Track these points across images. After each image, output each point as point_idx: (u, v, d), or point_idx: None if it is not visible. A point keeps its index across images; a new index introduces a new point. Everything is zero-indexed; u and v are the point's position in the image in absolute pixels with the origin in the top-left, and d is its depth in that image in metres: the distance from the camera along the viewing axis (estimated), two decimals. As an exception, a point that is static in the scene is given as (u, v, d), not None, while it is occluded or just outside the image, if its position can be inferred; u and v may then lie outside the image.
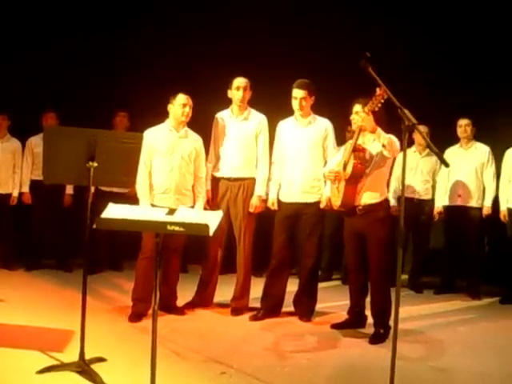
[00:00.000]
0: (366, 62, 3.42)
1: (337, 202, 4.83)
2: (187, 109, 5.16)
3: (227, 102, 5.48)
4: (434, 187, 6.75)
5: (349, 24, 7.01)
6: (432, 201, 6.74)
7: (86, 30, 7.28)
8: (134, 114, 6.98)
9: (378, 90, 4.31)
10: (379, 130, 4.52)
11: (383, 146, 4.57)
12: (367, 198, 4.77)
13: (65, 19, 7.26)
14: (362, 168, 4.73)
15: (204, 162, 5.39)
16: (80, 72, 7.19)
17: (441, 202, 6.67)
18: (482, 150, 6.55)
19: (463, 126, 6.53)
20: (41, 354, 4.06)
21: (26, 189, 6.83)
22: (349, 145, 4.84)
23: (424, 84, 6.94)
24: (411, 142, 6.63)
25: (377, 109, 4.44)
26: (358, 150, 4.74)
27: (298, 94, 5.15)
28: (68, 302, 5.24)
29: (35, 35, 7.18)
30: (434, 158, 6.71)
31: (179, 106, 5.15)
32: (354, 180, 4.74)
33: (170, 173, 5.14)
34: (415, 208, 6.58)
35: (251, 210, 5.35)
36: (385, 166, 4.80)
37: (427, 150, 6.69)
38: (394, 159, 5.16)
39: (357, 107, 4.78)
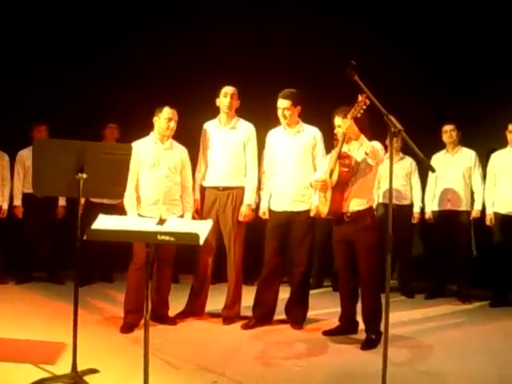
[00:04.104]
0: (351, 71, 3.46)
1: (324, 210, 4.86)
2: (172, 123, 5.18)
3: (216, 112, 5.50)
4: (411, 191, 6.82)
5: (336, 32, 7.07)
6: (411, 205, 6.79)
7: (75, 43, 7.33)
8: (123, 126, 7.01)
9: (359, 96, 4.35)
10: (362, 137, 4.56)
11: (366, 154, 4.61)
12: (354, 204, 4.80)
13: (54, 33, 7.29)
14: (347, 175, 4.75)
15: (190, 172, 5.42)
16: (69, 84, 7.22)
17: (430, 207, 6.73)
18: (468, 155, 6.62)
19: (448, 131, 6.59)
20: (33, 367, 4.05)
21: (18, 202, 6.82)
22: (334, 153, 4.86)
23: (408, 90, 7.02)
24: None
25: (359, 115, 4.46)
26: (343, 158, 4.76)
27: (281, 104, 5.20)
28: (59, 315, 5.26)
29: (26, 50, 7.22)
30: (409, 162, 6.79)
31: (164, 120, 5.18)
32: (340, 187, 4.77)
33: (157, 184, 5.17)
34: (396, 213, 6.57)
35: (240, 218, 5.37)
36: (371, 173, 4.83)
37: (400, 155, 6.77)
38: None
39: (337, 120, 4.83)
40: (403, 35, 7.07)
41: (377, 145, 4.66)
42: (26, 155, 6.76)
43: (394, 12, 7.15)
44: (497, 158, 6.49)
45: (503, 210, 6.38)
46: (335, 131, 4.91)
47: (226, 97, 5.39)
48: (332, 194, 4.77)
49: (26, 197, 6.79)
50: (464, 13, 7.00)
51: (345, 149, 4.80)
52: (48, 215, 6.82)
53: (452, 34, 7.06)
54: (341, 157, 4.75)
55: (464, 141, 6.67)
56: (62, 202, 6.89)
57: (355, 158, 4.79)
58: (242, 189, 5.41)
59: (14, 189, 6.82)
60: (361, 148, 4.68)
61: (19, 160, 6.87)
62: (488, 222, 6.47)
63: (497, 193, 6.44)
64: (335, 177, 4.73)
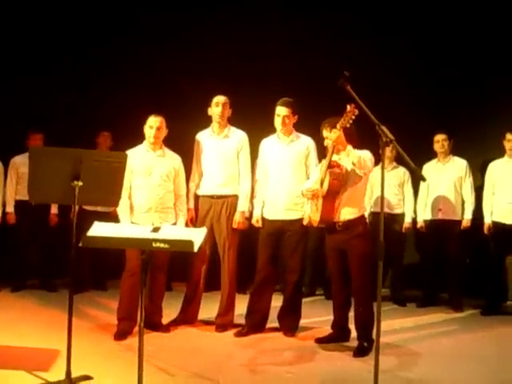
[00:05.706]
0: (344, 81, 3.51)
1: (316, 219, 4.90)
2: (153, 131, 5.22)
3: (209, 121, 5.54)
4: (403, 200, 6.86)
5: (330, 42, 7.10)
6: (403, 214, 6.84)
7: (70, 51, 7.35)
8: (116, 134, 7.04)
9: (348, 106, 4.39)
10: (349, 147, 4.60)
11: (353, 164, 4.65)
12: (346, 213, 4.83)
13: (50, 41, 7.31)
14: (338, 184, 4.78)
15: (184, 180, 5.44)
16: (63, 92, 7.25)
17: (421, 216, 6.77)
18: (459, 164, 6.66)
19: (440, 141, 6.63)
20: (27, 374, 4.05)
21: (10, 209, 6.77)
22: (324, 162, 4.88)
23: (401, 100, 7.06)
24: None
25: (348, 125, 4.50)
26: (333, 167, 4.79)
27: (281, 111, 5.23)
28: (53, 322, 5.26)
29: (21, 57, 7.23)
30: (402, 171, 6.84)
31: (147, 127, 5.25)
32: (331, 196, 4.79)
33: (150, 192, 5.20)
34: (387, 222, 6.58)
35: (234, 226, 5.39)
36: (361, 182, 4.85)
37: (394, 164, 6.82)
38: None
39: (325, 132, 4.88)
40: (396, 45, 7.12)
41: (365, 155, 4.70)
42: (19, 162, 6.72)
43: (387, 21, 7.19)
44: (495, 167, 6.52)
45: (501, 220, 6.41)
46: (325, 143, 4.93)
47: (217, 106, 5.42)
48: (323, 203, 4.80)
49: (18, 204, 6.76)
50: (458, 22, 7.04)
51: (335, 158, 4.84)
52: (41, 223, 6.80)
53: (446, 43, 7.11)
54: (331, 166, 4.78)
55: (457, 150, 6.72)
56: (54, 209, 6.87)
57: (345, 167, 4.82)
58: (236, 197, 5.44)
59: (7, 195, 6.76)
60: (347, 158, 4.72)
61: (12, 166, 6.81)
62: (486, 231, 6.48)
63: (495, 202, 6.46)
64: (326, 186, 4.76)
